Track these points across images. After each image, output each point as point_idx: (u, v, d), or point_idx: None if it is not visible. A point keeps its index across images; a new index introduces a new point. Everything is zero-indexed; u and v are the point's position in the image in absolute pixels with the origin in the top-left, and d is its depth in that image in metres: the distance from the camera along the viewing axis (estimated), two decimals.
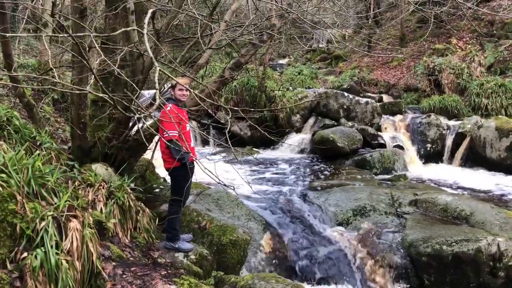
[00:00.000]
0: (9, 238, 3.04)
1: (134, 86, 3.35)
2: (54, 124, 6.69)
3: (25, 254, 3.00)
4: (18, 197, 3.16)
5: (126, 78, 3.46)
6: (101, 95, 2.87)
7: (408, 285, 5.20)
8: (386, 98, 14.74)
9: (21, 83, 5.43)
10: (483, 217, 5.78)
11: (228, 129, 3.81)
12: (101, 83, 2.84)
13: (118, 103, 3.07)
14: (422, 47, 16.32)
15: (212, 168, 3.12)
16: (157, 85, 2.88)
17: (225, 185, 3.11)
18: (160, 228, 5.23)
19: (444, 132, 10.82)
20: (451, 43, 15.37)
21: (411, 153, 10.67)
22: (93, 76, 3.25)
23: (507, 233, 5.28)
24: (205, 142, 11.97)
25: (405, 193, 6.96)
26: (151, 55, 3.11)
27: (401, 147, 10.68)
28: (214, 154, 10.34)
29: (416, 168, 10.00)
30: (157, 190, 6.71)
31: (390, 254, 5.40)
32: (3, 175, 3.17)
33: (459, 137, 10.40)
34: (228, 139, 3.26)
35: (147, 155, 6.70)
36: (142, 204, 5.15)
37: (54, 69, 4.25)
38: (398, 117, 12.20)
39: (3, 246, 2.99)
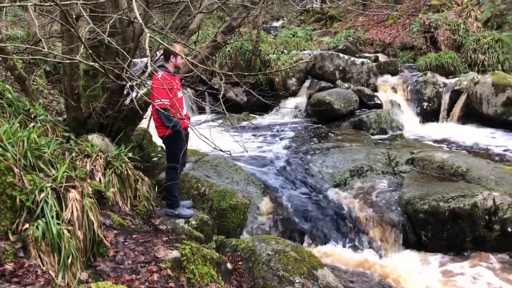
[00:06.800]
0: (10, 210, 3.06)
1: (125, 54, 3.29)
2: (48, 96, 6.63)
3: (27, 225, 3.02)
4: (16, 170, 3.15)
5: (117, 46, 3.40)
6: (91, 64, 2.82)
7: (406, 242, 5.32)
8: (382, 58, 14.53)
9: (11, 55, 5.33)
10: (479, 172, 5.85)
11: (222, 94, 3.76)
12: (90, 51, 2.79)
13: (109, 72, 3.03)
14: (418, 3, 16.00)
15: (208, 134, 3.12)
16: (148, 52, 2.83)
17: (221, 150, 3.11)
18: (160, 196, 5.27)
19: (440, 90, 10.74)
20: None
21: (407, 112, 10.65)
22: (83, 45, 3.20)
23: (503, 188, 5.36)
24: (201, 110, 11.90)
25: (401, 152, 7.00)
26: (141, 21, 3.05)
27: (398, 107, 10.66)
28: (211, 121, 10.31)
29: (413, 127, 10.00)
30: (155, 158, 6.73)
31: (388, 212, 5.48)
32: None
33: (456, 94, 10.33)
34: (223, 105, 3.22)
35: (144, 124, 6.67)
36: (141, 173, 5.17)
37: (43, 40, 4.18)
38: (395, 76, 12.05)
39: (4, 219, 3.02)
